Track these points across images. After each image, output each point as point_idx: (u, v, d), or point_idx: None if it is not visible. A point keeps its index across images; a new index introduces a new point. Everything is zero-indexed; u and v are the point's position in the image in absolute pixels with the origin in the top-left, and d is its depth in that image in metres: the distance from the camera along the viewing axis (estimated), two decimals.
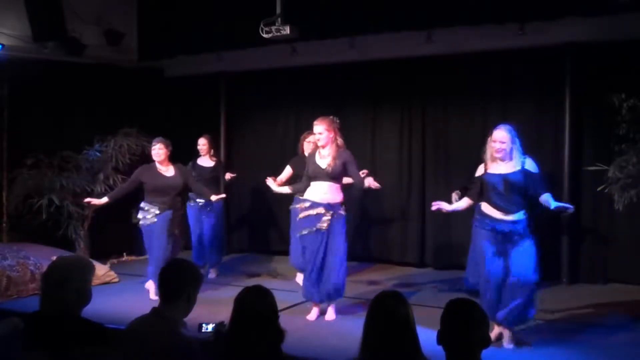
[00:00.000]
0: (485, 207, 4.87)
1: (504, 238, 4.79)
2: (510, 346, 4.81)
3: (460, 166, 7.30)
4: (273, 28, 6.66)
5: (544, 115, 7.27)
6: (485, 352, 2.50)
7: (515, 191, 4.81)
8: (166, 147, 6.36)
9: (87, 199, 6.63)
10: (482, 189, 4.90)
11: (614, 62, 6.78)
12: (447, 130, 7.90)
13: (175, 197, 6.37)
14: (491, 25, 6.69)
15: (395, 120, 8.29)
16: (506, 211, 4.79)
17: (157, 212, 6.20)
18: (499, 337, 4.86)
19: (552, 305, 5.42)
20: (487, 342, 2.49)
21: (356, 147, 7.60)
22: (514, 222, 4.79)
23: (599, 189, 6.29)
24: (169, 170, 6.36)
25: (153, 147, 6.36)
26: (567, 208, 4.86)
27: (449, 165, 7.72)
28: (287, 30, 6.60)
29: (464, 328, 2.47)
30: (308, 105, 8.48)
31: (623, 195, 5.94)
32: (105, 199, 6.46)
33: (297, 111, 8.83)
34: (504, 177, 4.79)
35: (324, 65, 8.15)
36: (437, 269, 7.83)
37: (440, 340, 2.49)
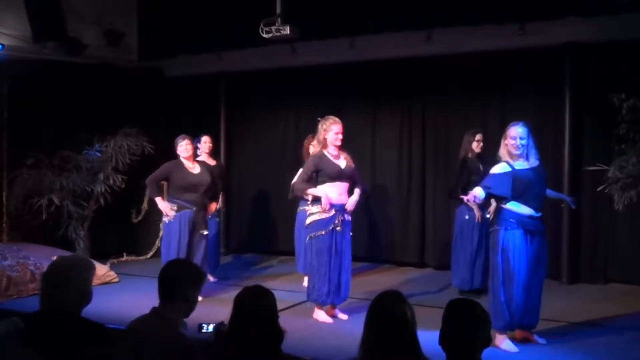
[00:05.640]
0: (515, 206, 4.70)
1: (533, 236, 4.72)
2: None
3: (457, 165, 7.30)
4: (273, 28, 6.65)
5: (544, 115, 7.27)
6: (485, 352, 2.50)
7: (544, 186, 4.82)
8: (192, 143, 6.34)
9: (169, 214, 6.15)
10: (510, 186, 4.68)
11: (614, 62, 6.78)
12: (447, 130, 7.90)
13: (203, 194, 6.25)
14: (491, 25, 6.69)
15: (395, 120, 8.29)
16: (537, 208, 4.73)
17: (177, 210, 6.13)
18: (524, 340, 4.85)
19: (552, 305, 5.41)
20: (488, 341, 2.49)
21: (356, 147, 7.62)
22: (541, 219, 4.78)
23: (599, 189, 6.29)
24: (195, 168, 6.30)
25: (180, 144, 6.25)
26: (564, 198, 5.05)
27: (449, 165, 7.70)
28: (287, 30, 6.59)
29: (465, 328, 2.46)
30: (308, 105, 8.48)
31: (623, 195, 5.94)
32: (163, 201, 6.26)
33: (297, 111, 8.83)
34: (535, 171, 4.74)
35: (324, 65, 8.15)
36: (437, 269, 7.82)
37: (442, 340, 2.49)
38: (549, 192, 5.10)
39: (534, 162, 4.79)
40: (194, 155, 6.43)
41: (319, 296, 5.52)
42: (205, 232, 6.25)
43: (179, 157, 6.29)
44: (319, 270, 5.47)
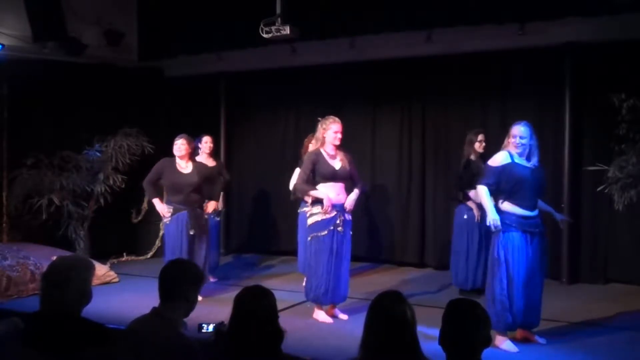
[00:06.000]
0: (510, 207, 4.71)
1: (532, 236, 4.72)
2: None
3: (460, 166, 7.29)
4: (273, 28, 6.65)
5: (544, 115, 7.27)
6: (485, 352, 2.50)
7: (539, 189, 4.82)
8: (188, 143, 6.30)
9: (165, 216, 6.20)
10: (504, 183, 4.70)
11: (614, 62, 6.78)
12: (447, 130, 7.90)
13: (190, 194, 6.18)
14: (491, 25, 6.68)
15: (395, 120, 8.29)
16: (531, 207, 4.73)
17: (172, 212, 6.12)
18: (525, 340, 4.86)
19: (552, 305, 5.42)
20: (488, 341, 2.49)
21: (356, 147, 7.63)
22: (538, 217, 4.79)
23: (599, 189, 6.29)
24: (187, 168, 6.26)
25: (175, 142, 6.24)
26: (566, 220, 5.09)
27: (449, 165, 7.70)
28: (287, 30, 6.59)
29: (465, 328, 2.46)
30: (308, 105, 8.49)
31: (623, 195, 5.94)
32: (160, 203, 6.25)
33: (297, 111, 8.83)
34: (532, 172, 4.73)
35: (324, 65, 8.14)
36: (437, 269, 7.82)
37: (442, 340, 2.49)
38: (543, 205, 5.01)
39: (533, 164, 4.79)
40: (190, 154, 6.40)
41: (317, 296, 5.52)
42: (196, 231, 6.17)
43: (174, 156, 6.29)
44: (317, 270, 5.48)
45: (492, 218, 4.71)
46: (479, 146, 6.40)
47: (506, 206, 4.74)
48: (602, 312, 5.80)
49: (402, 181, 8.22)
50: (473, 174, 6.25)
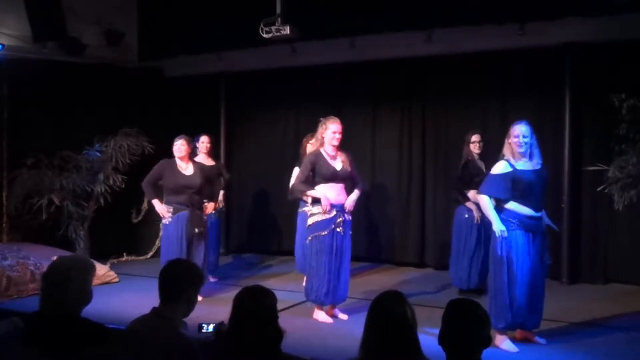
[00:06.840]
0: (515, 206, 4.70)
1: (534, 236, 4.72)
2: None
3: (458, 168, 7.29)
4: (273, 28, 6.65)
5: (544, 115, 7.27)
6: (485, 352, 2.50)
7: (544, 187, 4.81)
8: (188, 143, 6.30)
9: (165, 216, 6.17)
10: (508, 191, 4.70)
11: (614, 62, 6.78)
12: (447, 130, 7.90)
13: (193, 195, 6.19)
14: (491, 25, 6.69)
15: (395, 120, 8.29)
16: (537, 208, 4.73)
17: (173, 212, 6.11)
18: (525, 340, 4.86)
19: (552, 305, 5.41)
20: (488, 342, 2.49)
21: (356, 147, 7.63)
22: (541, 219, 4.79)
23: (599, 189, 6.29)
24: (188, 168, 6.25)
25: (175, 143, 6.22)
26: (553, 227, 4.98)
27: (449, 165, 7.70)
28: (287, 30, 6.59)
29: (465, 328, 2.46)
30: (308, 105, 8.49)
31: (623, 195, 5.94)
32: (160, 203, 6.22)
33: (297, 111, 8.83)
34: (537, 173, 4.73)
35: (324, 65, 8.15)
36: (437, 268, 7.82)
37: (442, 340, 2.49)
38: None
39: (536, 164, 4.78)
40: (190, 155, 6.40)
41: (318, 297, 5.52)
42: (199, 230, 6.17)
43: (174, 157, 6.28)
44: (318, 270, 5.47)
45: (499, 229, 4.69)
46: (474, 146, 6.41)
47: (511, 206, 4.73)
48: (602, 312, 5.81)
49: (402, 181, 8.22)
50: (472, 174, 6.27)
